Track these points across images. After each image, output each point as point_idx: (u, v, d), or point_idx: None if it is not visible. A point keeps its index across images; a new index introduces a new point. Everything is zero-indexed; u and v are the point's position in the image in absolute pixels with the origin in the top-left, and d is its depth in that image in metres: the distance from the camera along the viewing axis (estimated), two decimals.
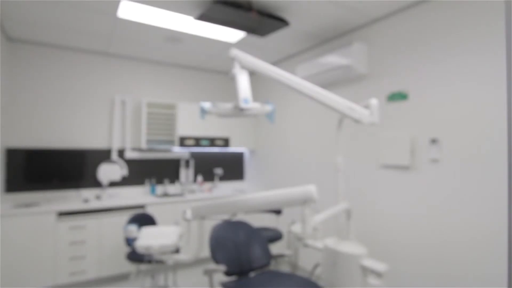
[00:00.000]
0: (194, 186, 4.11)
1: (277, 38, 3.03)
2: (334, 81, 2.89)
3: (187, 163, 3.95)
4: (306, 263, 3.23)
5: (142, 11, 2.44)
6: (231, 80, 1.56)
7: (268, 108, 1.54)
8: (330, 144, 3.04)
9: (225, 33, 2.89)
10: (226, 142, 4.01)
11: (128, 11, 2.44)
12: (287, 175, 3.62)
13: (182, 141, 3.69)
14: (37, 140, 3.19)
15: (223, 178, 4.40)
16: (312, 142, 3.26)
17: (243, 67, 1.56)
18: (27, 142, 3.15)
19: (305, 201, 1.20)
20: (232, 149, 4.13)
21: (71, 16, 2.55)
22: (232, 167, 4.48)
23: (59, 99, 3.31)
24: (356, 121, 1.61)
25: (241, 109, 1.43)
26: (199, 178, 4.09)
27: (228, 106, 1.49)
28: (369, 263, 1.60)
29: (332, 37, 3.01)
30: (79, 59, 3.42)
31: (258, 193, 1.36)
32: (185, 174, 3.94)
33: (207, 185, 4.23)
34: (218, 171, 4.27)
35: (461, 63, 1.99)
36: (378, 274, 1.57)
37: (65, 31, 2.88)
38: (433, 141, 2.11)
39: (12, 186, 3.06)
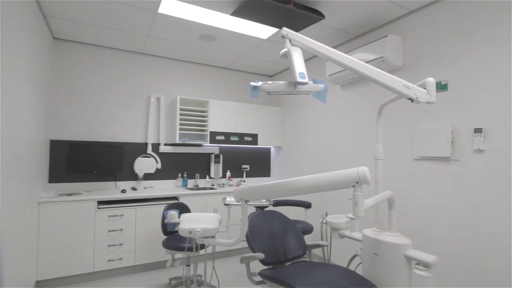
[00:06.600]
0: (223, 181, 4.18)
1: (309, 34, 3.03)
2: None
3: (216, 158, 4.03)
4: (338, 256, 3.19)
5: (180, 8, 2.53)
6: (283, 58, 1.54)
7: (321, 86, 1.50)
8: (358, 138, 2.99)
9: (257, 29, 2.92)
10: (254, 139, 4.06)
11: (168, 7, 2.54)
12: (312, 172, 3.60)
13: (213, 137, 3.77)
14: (78, 134, 3.36)
15: (250, 174, 4.44)
16: (339, 138, 3.23)
17: (295, 45, 1.51)
18: (69, 135, 3.31)
19: (357, 183, 1.20)
20: (259, 146, 4.17)
21: (112, 13, 2.68)
22: (259, 163, 4.52)
23: (99, 95, 3.48)
24: (412, 101, 1.55)
25: (298, 84, 1.36)
26: (228, 173, 4.15)
27: (281, 83, 1.45)
28: (416, 253, 1.56)
29: (366, 31, 2.97)
30: (117, 58, 3.58)
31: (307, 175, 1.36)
32: (215, 169, 4.02)
33: (235, 180, 4.29)
34: (246, 166, 4.33)
35: (505, 51, 1.91)
36: (425, 265, 1.53)
37: (105, 30, 3.03)
38: (478, 130, 2.04)
39: (55, 176, 3.23)
